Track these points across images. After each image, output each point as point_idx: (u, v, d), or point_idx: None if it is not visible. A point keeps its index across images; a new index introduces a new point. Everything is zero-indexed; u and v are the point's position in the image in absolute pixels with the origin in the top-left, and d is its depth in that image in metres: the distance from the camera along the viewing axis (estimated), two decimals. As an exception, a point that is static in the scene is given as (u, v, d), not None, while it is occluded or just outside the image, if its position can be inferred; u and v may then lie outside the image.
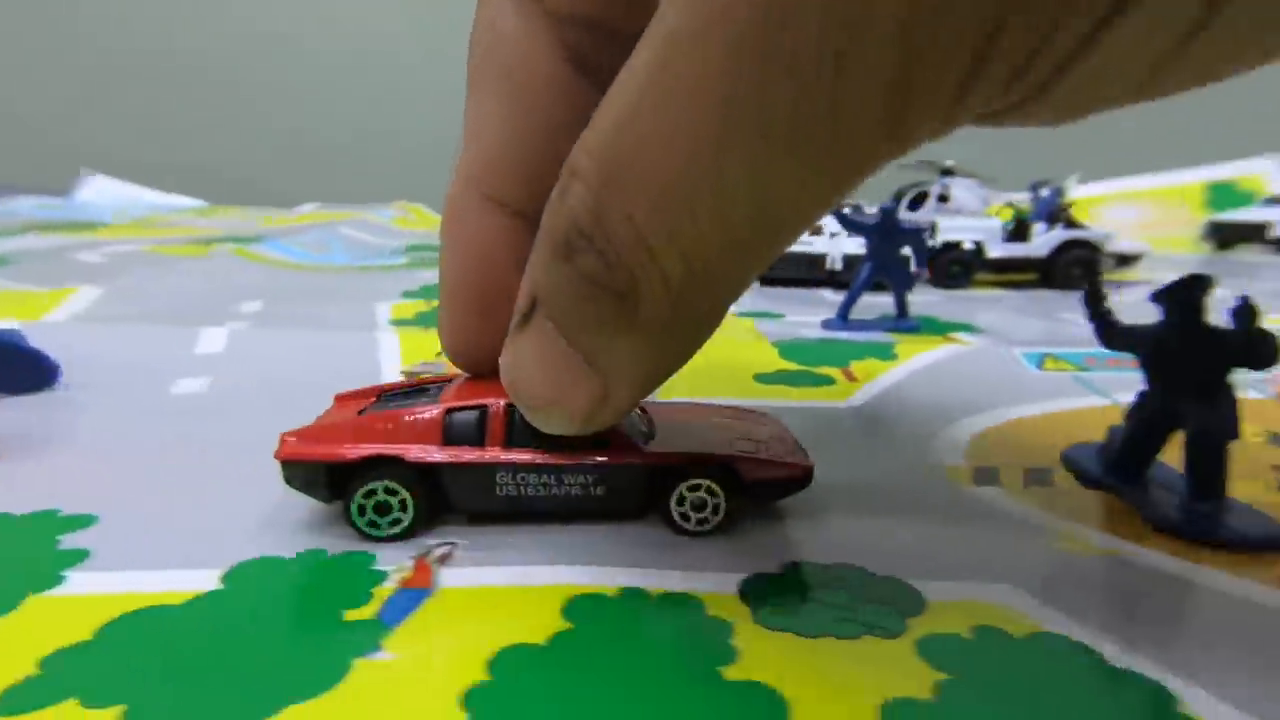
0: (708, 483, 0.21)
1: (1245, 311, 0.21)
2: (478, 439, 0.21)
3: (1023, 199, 0.87)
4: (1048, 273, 0.71)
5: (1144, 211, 1.27)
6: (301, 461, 0.20)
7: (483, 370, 0.22)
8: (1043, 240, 0.71)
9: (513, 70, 0.19)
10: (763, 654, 0.16)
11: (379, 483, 0.20)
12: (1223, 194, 1.23)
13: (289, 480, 0.20)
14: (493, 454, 0.21)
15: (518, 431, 0.21)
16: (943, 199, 0.83)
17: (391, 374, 0.37)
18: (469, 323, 0.21)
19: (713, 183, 0.12)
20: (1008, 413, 0.33)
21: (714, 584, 0.19)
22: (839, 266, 0.67)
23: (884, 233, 0.50)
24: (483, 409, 0.21)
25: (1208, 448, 0.22)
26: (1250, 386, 0.35)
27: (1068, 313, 0.58)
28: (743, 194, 0.12)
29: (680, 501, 0.21)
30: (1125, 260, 0.76)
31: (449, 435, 0.21)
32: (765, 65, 0.11)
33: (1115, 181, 1.36)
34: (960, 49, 0.10)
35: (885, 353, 0.42)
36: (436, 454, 0.21)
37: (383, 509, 0.20)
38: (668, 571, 0.19)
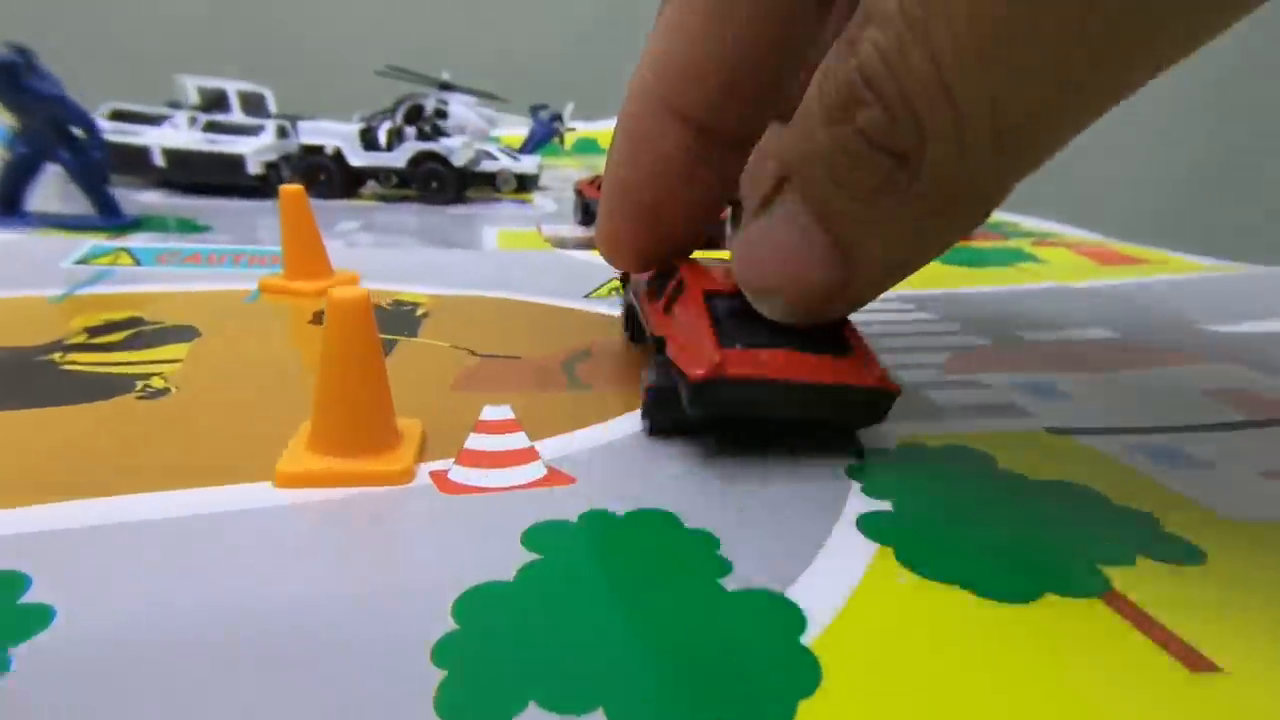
0: None
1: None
2: None
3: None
4: (414, 183, 0.65)
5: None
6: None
7: (633, 270, 0.23)
8: (400, 150, 0.64)
9: None
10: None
11: None
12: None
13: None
14: None
15: None
16: (440, 114, 0.76)
17: None
18: (634, 229, 0.21)
19: (1059, 6, 0.11)
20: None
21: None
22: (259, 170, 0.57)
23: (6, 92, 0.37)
24: None
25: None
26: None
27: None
28: (1098, 20, 0.11)
29: None
30: (524, 180, 0.73)
31: None
32: None
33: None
34: None
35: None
36: None
37: None
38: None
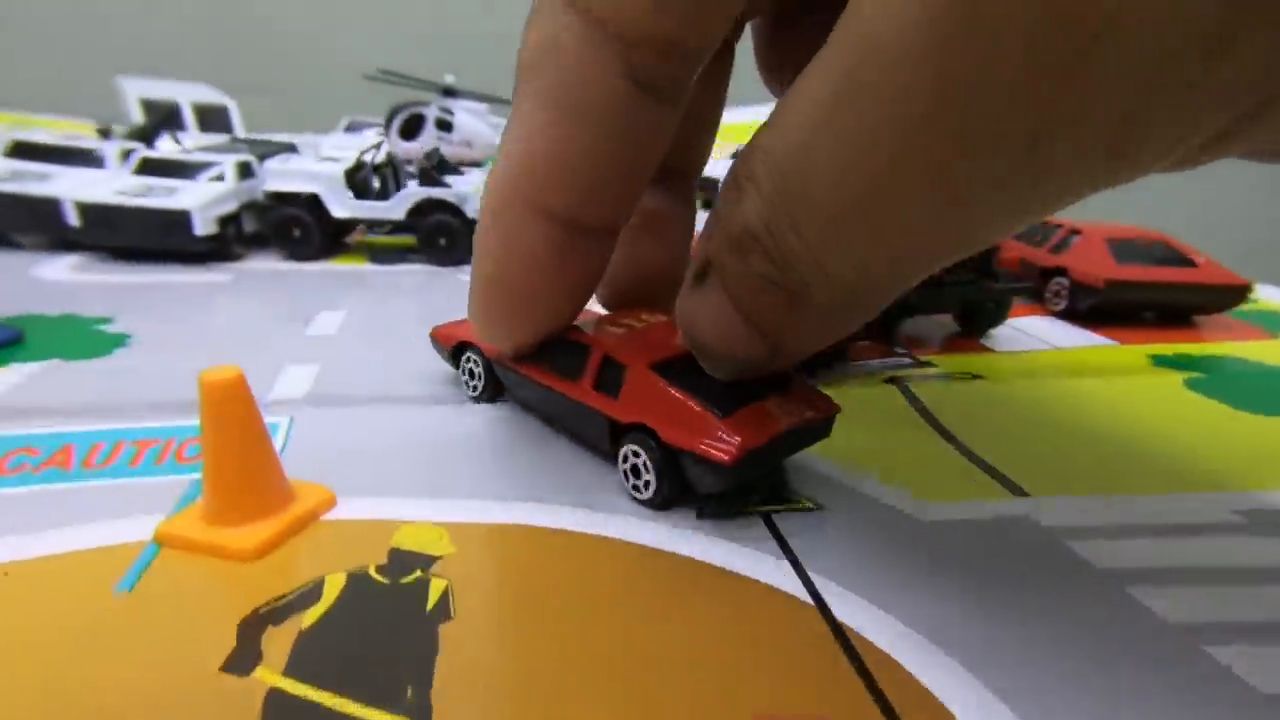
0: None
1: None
2: None
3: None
4: (417, 234, 0.50)
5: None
6: None
7: (508, 350, 0.24)
8: (398, 198, 0.49)
9: (571, 87, 0.17)
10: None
11: None
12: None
13: None
14: None
15: None
16: (444, 125, 0.63)
17: None
18: (507, 317, 0.22)
19: (894, 213, 0.13)
20: None
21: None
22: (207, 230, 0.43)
23: None
24: None
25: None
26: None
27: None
28: (924, 223, 0.13)
29: None
30: None
31: None
32: (970, 106, 0.11)
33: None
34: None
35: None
36: None
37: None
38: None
